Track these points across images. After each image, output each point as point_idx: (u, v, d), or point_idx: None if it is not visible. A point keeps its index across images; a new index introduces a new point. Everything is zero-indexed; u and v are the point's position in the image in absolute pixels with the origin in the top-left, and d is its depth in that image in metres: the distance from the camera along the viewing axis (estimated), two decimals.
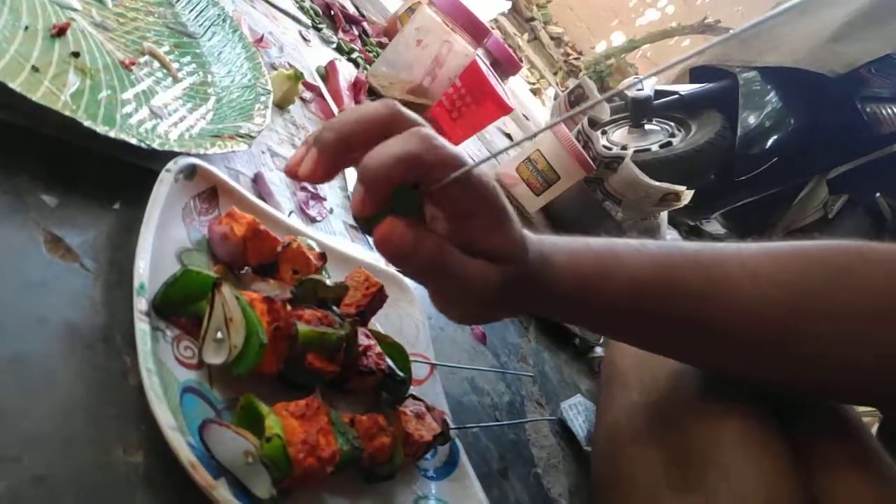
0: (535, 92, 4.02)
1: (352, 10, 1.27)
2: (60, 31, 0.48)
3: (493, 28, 4.30)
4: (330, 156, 0.35)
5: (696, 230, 2.72)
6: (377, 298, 0.48)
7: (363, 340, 0.46)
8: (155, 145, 0.44)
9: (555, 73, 5.54)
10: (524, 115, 2.66)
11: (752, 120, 2.20)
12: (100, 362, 0.35)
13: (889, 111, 2.13)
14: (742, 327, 0.47)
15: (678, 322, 0.48)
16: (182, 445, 0.31)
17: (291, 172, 0.36)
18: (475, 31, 0.98)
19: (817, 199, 2.38)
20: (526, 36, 5.66)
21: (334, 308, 0.47)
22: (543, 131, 0.86)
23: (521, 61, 5.20)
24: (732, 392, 0.55)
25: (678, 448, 0.55)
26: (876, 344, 0.46)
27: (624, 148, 2.15)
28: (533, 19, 5.94)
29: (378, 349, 0.47)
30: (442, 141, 0.36)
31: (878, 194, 2.12)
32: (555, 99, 2.84)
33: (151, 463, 0.33)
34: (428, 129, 0.36)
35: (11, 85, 0.37)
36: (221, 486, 0.32)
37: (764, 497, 0.48)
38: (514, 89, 2.99)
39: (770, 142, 2.24)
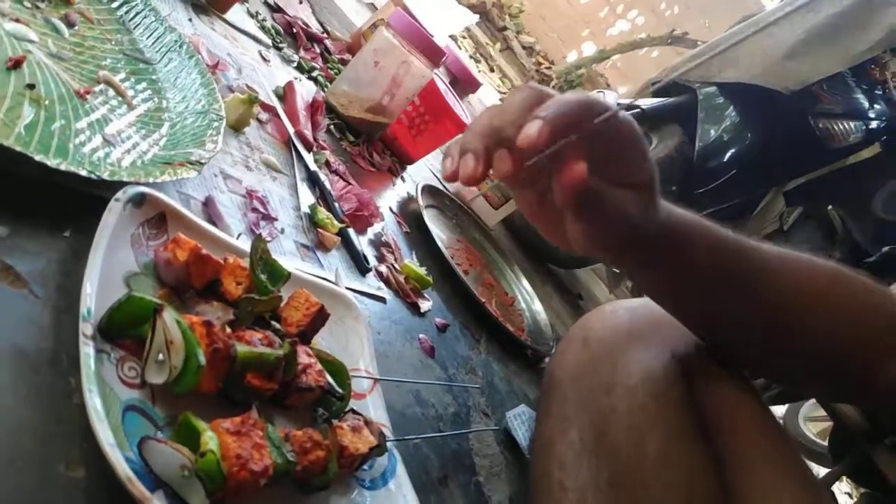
0: None
1: (315, 27, 1.29)
2: (16, 64, 0.50)
3: (464, 37, 4.30)
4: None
5: None
6: (318, 318, 0.51)
7: (303, 359, 0.49)
8: (105, 176, 0.46)
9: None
10: None
11: (710, 134, 2.27)
12: (46, 384, 0.37)
13: (840, 127, 2.21)
14: (770, 303, 0.56)
15: (735, 287, 0.55)
16: (119, 461, 0.34)
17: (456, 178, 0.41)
18: (432, 53, 1.02)
19: (774, 211, 2.46)
20: (498, 45, 5.72)
21: (278, 328, 0.50)
22: None
23: (493, 70, 5.17)
24: (660, 409, 0.59)
25: (607, 459, 0.59)
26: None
27: None
28: (505, 28, 6.00)
29: (318, 367, 0.50)
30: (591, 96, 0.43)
31: (829, 207, 2.19)
32: None
33: (92, 477, 0.36)
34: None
35: None
36: (157, 499, 0.35)
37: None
38: (483, 99, 3.04)
39: (728, 155, 2.31)
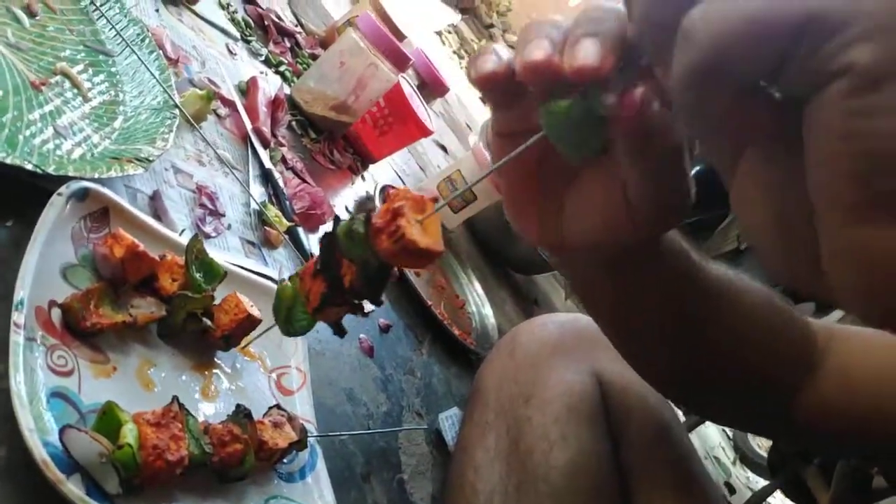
0: (485, 101, 4.09)
1: (289, 19, 1.31)
2: None
3: (449, 32, 4.27)
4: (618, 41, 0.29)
5: None
6: (245, 323, 0.54)
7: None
8: (50, 170, 0.48)
9: None
10: (468, 125, 2.73)
11: None
12: None
13: None
14: (716, 328, 0.51)
15: (689, 307, 0.50)
16: (37, 445, 0.37)
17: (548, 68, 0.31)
18: (397, 58, 1.04)
19: (735, 230, 2.52)
20: (483, 42, 5.75)
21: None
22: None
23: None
24: (572, 422, 0.63)
25: (517, 465, 0.62)
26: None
27: None
28: (492, 26, 6.03)
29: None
30: None
31: None
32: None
33: (13, 458, 0.38)
34: None
35: None
36: (72, 482, 0.37)
37: None
38: (461, 97, 3.06)
39: (691, 173, 2.36)
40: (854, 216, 0.21)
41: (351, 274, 0.43)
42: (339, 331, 0.49)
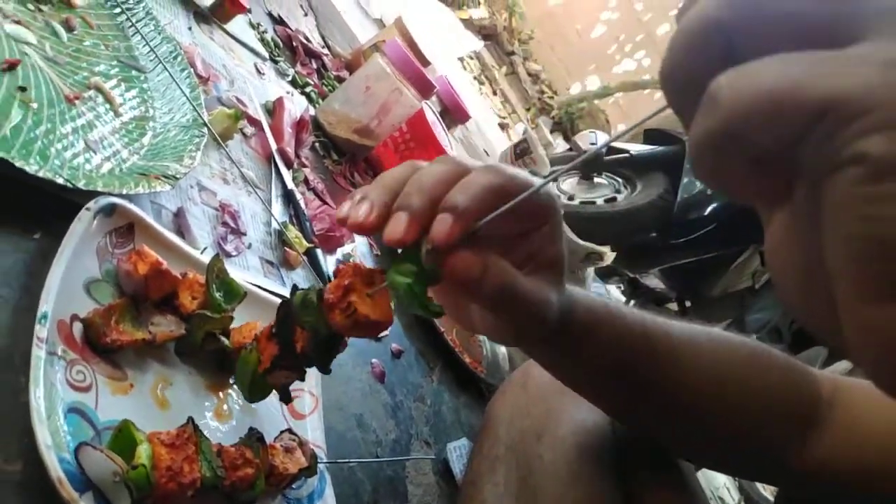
0: (503, 126, 4.13)
1: (317, 41, 1.33)
2: (11, 66, 0.53)
3: (471, 58, 4.33)
4: (423, 217, 0.36)
5: (634, 282, 2.83)
6: None
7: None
8: (80, 185, 0.49)
9: (527, 109, 5.68)
10: (485, 151, 2.75)
11: (693, 187, 2.32)
12: None
13: None
14: (683, 391, 0.54)
15: (636, 382, 0.53)
16: (53, 462, 0.37)
17: (367, 228, 0.37)
18: (422, 85, 1.05)
19: (749, 269, 2.51)
20: (504, 69, 5.80)
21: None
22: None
23: (496, 93, 5.19)
24: (583, 462, 0.63)
25: (526, 503, 0.61)
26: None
27: (571, 198, 2.25)
28: (513, 53, 6.09)
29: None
30: (513, 171, 0.39)
31: None
32: (523, 134, 2.92)
33: (29, 473, 0.38)
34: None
35: None
36: (85, 500, 0.37)
37: None
38: (480, 123, 3.09)
39: (709, 209, 2.36)
40: (863, 293, 0.22)
41: (303, 341, 0.45)
42: (285, 396, 0.51)
